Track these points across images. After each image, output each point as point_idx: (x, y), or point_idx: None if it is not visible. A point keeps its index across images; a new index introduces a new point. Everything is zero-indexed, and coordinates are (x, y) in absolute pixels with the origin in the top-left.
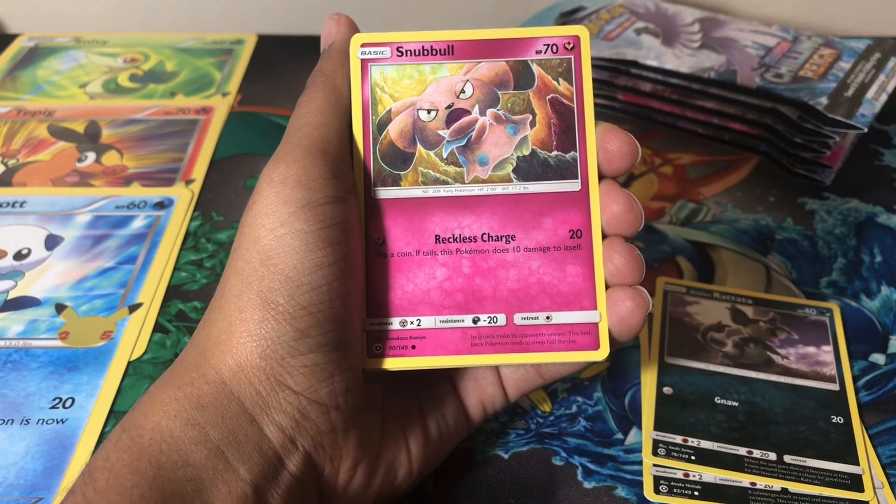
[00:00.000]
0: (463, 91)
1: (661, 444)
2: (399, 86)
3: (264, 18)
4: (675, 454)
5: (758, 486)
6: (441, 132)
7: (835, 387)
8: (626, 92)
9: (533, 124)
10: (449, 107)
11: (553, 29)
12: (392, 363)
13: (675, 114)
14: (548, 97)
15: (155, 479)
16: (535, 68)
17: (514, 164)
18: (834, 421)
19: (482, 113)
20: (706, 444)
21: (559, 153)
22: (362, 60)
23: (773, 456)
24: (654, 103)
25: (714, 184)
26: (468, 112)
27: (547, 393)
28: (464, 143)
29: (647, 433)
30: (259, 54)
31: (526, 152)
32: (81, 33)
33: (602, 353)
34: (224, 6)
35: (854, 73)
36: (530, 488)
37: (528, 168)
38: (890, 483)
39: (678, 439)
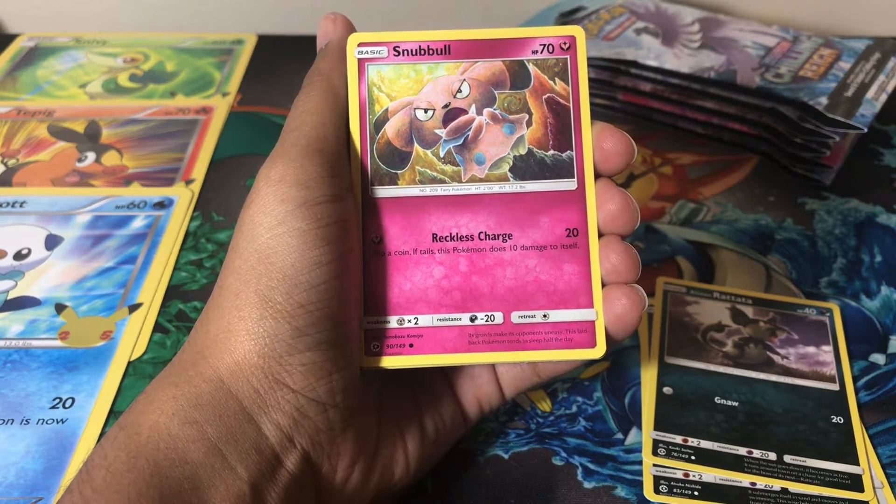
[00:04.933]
0: (459, 90)
1: (661, 444)
2: (396, 85)
3: (264, 18)
4: (675, 454)
5: (758, 486)
6: (438, 131)
7: (835, 387)
8: (626, 92)
9: (529, 124)
10: (446, 106)
11: (549, 29)
12: (390, 361)
13: (675, 114)
14: (544, 97)
15: (153, 478)
16: (532, 68)
17: (511, 164)
18: (834, 421)
19: (479, 112)
20: (706, 444)
21: (556, 152)
22: (359, 60)
23: (773, 456)
24: (654, 103)
25: (714, 184)
26: (465, 111)
27: (547, 393)
28: (461, 142)
29: (647, 433)
30: (259, 54)
31: (522, 151)
32: (81, 33)
33: (599, 350)
34: (224, 6)
35: (854, 73)
36: (530, 488)
37: (525, 167)
38: (890, 483)
39: (678, 439)
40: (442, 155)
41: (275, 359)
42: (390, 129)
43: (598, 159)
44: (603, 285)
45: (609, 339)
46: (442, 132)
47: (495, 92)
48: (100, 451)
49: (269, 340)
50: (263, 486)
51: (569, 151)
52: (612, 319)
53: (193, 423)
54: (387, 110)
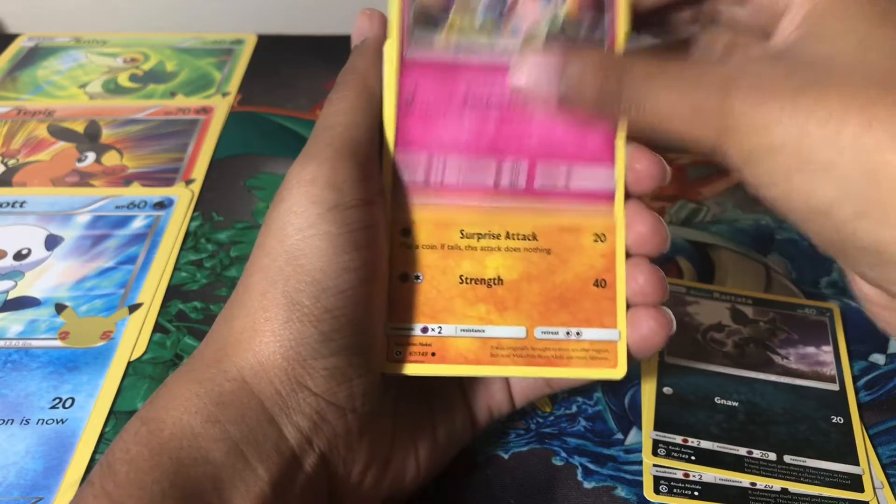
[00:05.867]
0: None
1: (661, 445)
2: None
3: (264, 18)
4: (675, 454)
5: (758, 487)
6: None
7: (835, 387)
8: None
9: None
10: None
11: None
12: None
13: None
14: None
15: (175, 476)
16: None
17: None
18: (834, 421)
19: None
20: (706, 444)
21: (588, 32)
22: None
23: (773, 456)
24: None
25: (714, 184)
26: None
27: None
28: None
29: (647, 433)
30: (259, 54)
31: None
32: (81, 33)
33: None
34: (224, 6)
35: None
36: (530, 488)
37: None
38: (890, 483)
39: (678, 439)
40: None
41: (298, 362)
42: None
43: (629, 180)
44: (628, 306)
45: (630, 358)
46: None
47: None
48: (121, 445)
49: (294, 343)
50: (283, 487)
51: (600, 30)
52: (636, 340)
53: (216, 421)
54: None
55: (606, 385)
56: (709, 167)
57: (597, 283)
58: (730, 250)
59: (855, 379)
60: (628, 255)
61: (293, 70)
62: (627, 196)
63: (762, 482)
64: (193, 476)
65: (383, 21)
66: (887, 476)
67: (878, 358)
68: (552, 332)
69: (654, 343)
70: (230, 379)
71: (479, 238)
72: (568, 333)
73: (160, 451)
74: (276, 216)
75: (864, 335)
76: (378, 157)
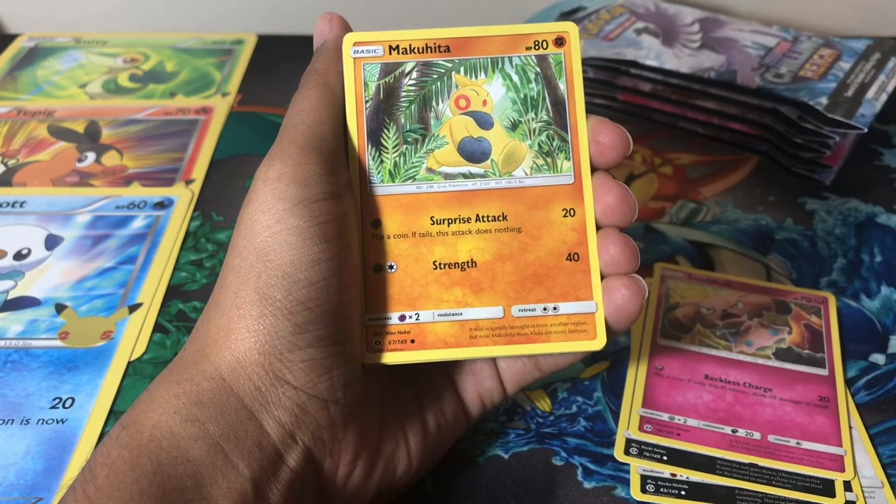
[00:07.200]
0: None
1: (633, 444)
2: None
3: (264, 18)
4: (648, 454)
5: (745, 490)
6: None
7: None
8: (625, 92)
9: None
10: None
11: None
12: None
13: (675, 114)
14: None
15: (155, 476)
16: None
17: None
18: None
19: None
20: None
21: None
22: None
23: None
24: (654, 103)
25: (714, 184)
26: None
27: (547, 392)
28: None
29: (621, 432)
30: (259, 54)
31: None
32: (81, 33)
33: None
34: (224, 6)
35: (854, 73)
36: (530, 488)
37: None
38: (890, 483)
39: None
40: None
41: (275, 356)
42: None
43: (594, 153)
44: (602, 277)
45: (609, 330)
46: None
47: None
48: (102, 450)
49: (269, 337)
50: (265, 483)
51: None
52: (612, 310)
53: (195, 420)
54: None
55: (606, 385)
56: (709, 167)
57: (570, 257)
58: (730, 250)
59: (845, 366)
60: (598, 227)
61: (293, 70)
62: (593, 169)
63: (746, 460)
64: (173, 475)
65: (342, 23)
66: (887, 476)
67: (878, 358)
68: (529, 310)
69: (628, 311)
70: (208, 378)
71: (449, 223)
72: (545, 309)
73: (139, 452)
74: (246, 216)
75: (864, 335)
76: (344, 153)
